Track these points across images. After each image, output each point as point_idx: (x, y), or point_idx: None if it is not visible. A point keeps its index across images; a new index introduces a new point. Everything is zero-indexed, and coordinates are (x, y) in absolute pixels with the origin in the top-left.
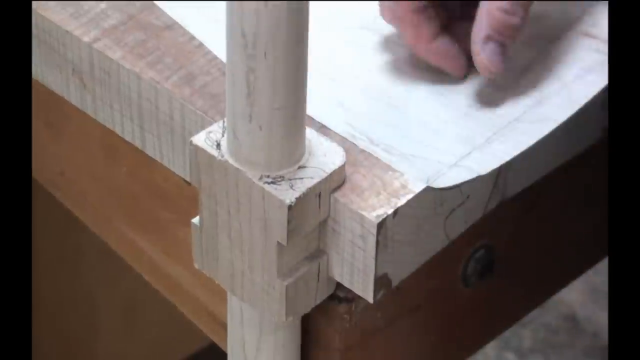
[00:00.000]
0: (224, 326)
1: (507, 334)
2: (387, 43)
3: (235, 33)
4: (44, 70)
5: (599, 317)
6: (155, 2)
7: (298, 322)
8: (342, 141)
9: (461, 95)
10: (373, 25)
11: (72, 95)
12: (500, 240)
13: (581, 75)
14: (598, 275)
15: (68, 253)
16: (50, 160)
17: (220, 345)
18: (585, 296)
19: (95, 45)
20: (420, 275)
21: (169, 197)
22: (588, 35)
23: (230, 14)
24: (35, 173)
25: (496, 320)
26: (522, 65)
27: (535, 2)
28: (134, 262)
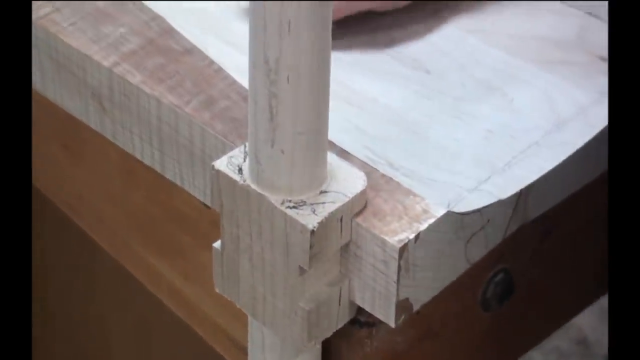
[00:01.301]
0: (243, 350)
1: (519, 358)
2: (404, 66)
3: (258, 58)
4: (63, 94)
5: None
6: (173, 25)
7: (319, 347)
8: (363, 165)
9: (479, 119)
10: (389, 48)
11: (91, 119)
12: (520, 264)
13: (599, 99)
14: None
15: (83, 276)
16: (68, 184)
17: None
18: (596, 319)
19: (115, 70)
20: (440, 299)
21: (188, 220)
22: (605, 59)
23: (253, 39)
24: (53, 196)
25: (515, 345)
26: (540, 89)
27: (551, 27)
28: (152, 286)
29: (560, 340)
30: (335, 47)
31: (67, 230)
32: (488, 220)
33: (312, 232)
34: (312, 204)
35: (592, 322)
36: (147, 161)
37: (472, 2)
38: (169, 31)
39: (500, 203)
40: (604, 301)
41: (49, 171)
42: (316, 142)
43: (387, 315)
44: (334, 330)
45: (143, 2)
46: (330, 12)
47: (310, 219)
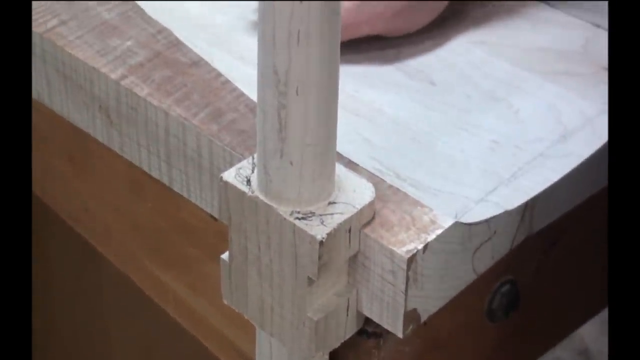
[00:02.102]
0: None
1: None
2: (410, 78)
3: (267, 70)
4: (70, 106)
5: None
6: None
7: (327, 357)
8: (370, 176)
9: (485, 130)
10: (395, 60)
11: (98, 131)
12: (525, 274)
13: (605, 110)
14: None
15: (89, 288)
16: (74, 197)
17: None
18: (598, 330)
19: (123, 83)
20: (447, 310)
21: (195, 232)
22: None
23: (262, 51)
24: (59, 209)
25: (520, 355)
26: (546, 100)
27: (556, 38)
28: (159, 298)
29: (562, 350)
30: (342, 60)
31: (73, 243)
32: (495, 231)
33: (321, 242)
34: (320, 215)
35: (594, 332)
36: (154, 173)
37: (478, 14)
38: (176, 44)
39: (507, 214)
40: (605, 312)
41: (55, 184)
42: (325, 153)
43: (395, 326)
44: (342, 341)
45: (150, 15)
46: (339, 23)
47: (319, 230)
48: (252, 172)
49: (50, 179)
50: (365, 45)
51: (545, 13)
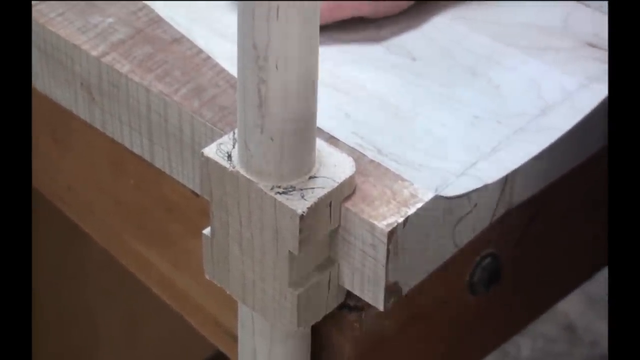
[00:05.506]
0: (232, 336)
1: (505, 343)
2: (390, 53)
3: (247, 45)
4: (52, 84)
5: (596, 326)
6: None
7: (309, 331)
8: (351, 151)
9: (466, 105)
10: (376, 36)
11: (80, 109)
12: (506, 248)
13: (585, 85)
14: (595, 284)
15: (73, 267)
16: (57, 175)
17: (229, 355)
18: (583, 305)
19: (104, 60)
20: (428, 283)
21: (177, 209)
22: (591, 44)
23: (241, 26)
24: (42, 188)
25: (502, 328)
26: (526, 74)
27: (537, 13)
28: (142, 275)
29: (547, 325)
30: (323, 36)
31: (56, 221)
32: (475, 205)
33: (302, 217)
34: (301, 190)
35: (579, 308)
36: (136, 150)
37: None
38: (157, 21)
39: (487, 187)
40: (590, 288)
41: (38, 162)
42: (305, 128)
43: (376, 299)
44: (324, 315)
45: None
46: None
47: (300, 204)
48: (233, 147)
49: (32, 158)
50: (347, 23)
51: None
